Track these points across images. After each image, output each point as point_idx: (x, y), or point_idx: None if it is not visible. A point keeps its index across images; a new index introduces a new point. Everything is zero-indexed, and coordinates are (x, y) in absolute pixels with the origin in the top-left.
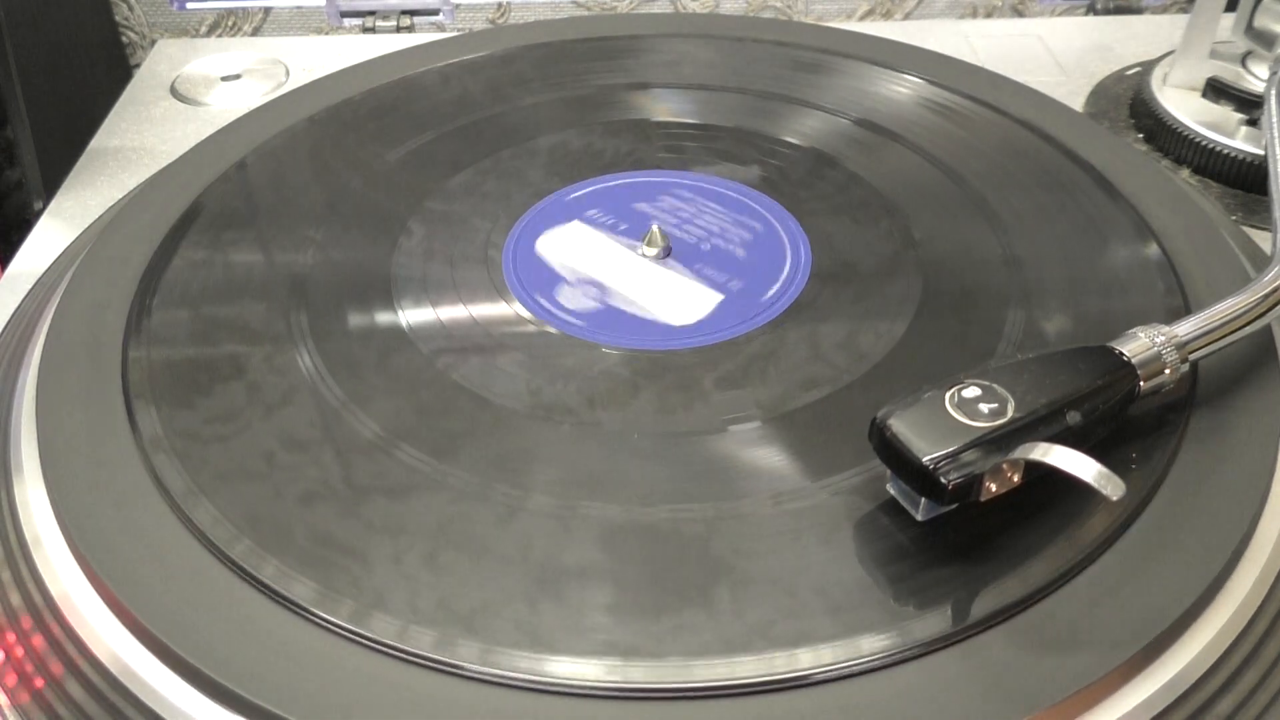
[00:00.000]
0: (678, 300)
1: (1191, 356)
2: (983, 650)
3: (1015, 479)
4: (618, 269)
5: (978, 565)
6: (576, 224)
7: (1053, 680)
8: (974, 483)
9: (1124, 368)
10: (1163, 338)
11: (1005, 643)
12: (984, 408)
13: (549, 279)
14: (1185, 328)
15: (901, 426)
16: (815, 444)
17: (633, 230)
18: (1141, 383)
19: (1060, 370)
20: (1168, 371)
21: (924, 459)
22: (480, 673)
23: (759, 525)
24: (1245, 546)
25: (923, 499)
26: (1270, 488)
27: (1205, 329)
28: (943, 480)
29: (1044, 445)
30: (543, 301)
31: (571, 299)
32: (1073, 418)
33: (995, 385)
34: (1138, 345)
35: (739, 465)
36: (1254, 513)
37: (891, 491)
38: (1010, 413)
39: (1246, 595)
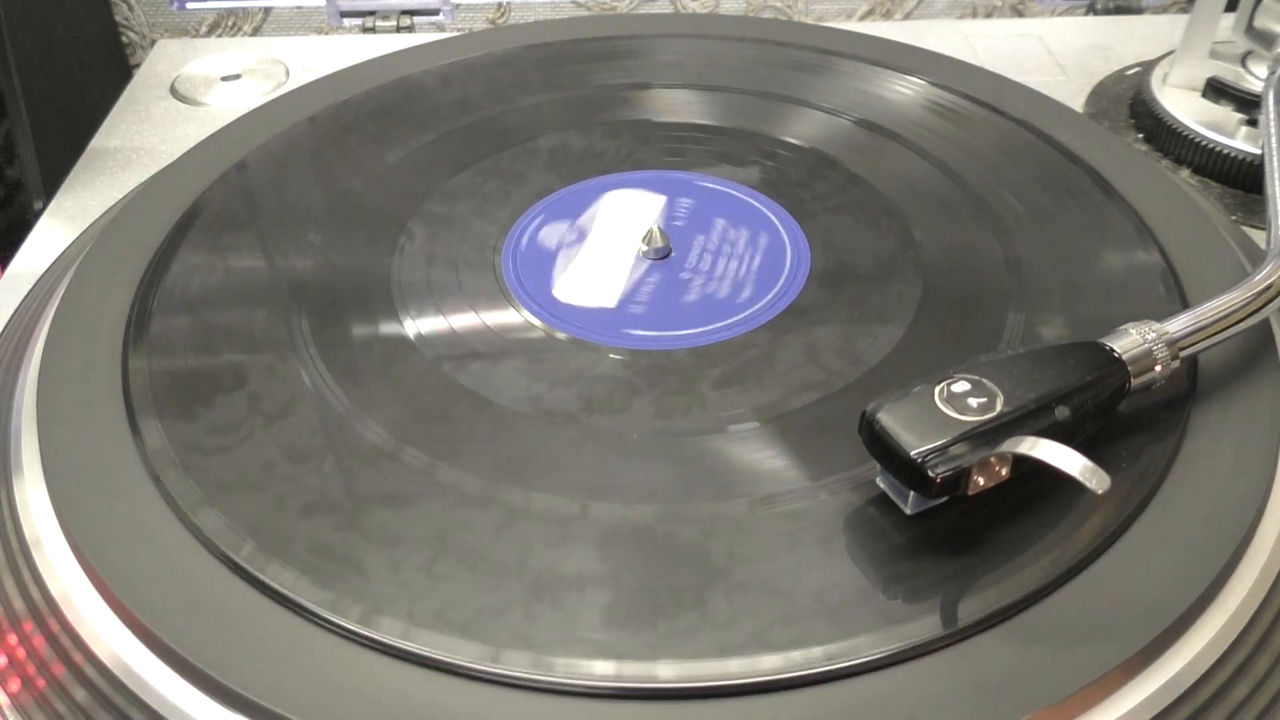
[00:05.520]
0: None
1: (1183, 353)
2: (981, 650)
3: (1003, 473)
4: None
5: (976, 566)
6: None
7: (1051, 680)
8: (962, 476)
9: (1114, 364)
10: (1154, 334)
11: (1004, 643)
12: (973, 402)
13: (550, 279)
14: (1177, 324)
15: (890, 420)
16: (813, 446)
17: (633, 230)
18: (1132, 379)
19: (1050, 365)
20: (1158, 368)
21: (912, 452)
22: (481, 673)
23: (756, 527)
24: (1245, 546)
25: (911, 492)
26: (1270, 488)
27: (1197, 326)
28: (930, 473)
29: (1031, 439)
30: (543, 303)
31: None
32: (1061, 413)
33: (984, 380)
34: (1128, 341)
35: (736, 467)
36: (1254, 513)
37: (880, 485)
38: (999, 407)
39: (1246, 595)
